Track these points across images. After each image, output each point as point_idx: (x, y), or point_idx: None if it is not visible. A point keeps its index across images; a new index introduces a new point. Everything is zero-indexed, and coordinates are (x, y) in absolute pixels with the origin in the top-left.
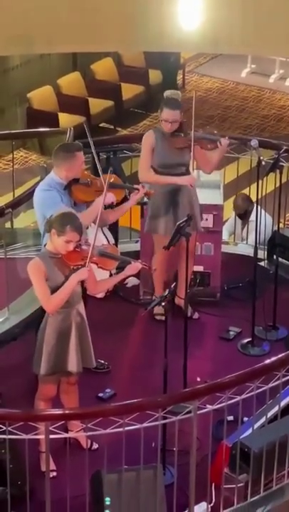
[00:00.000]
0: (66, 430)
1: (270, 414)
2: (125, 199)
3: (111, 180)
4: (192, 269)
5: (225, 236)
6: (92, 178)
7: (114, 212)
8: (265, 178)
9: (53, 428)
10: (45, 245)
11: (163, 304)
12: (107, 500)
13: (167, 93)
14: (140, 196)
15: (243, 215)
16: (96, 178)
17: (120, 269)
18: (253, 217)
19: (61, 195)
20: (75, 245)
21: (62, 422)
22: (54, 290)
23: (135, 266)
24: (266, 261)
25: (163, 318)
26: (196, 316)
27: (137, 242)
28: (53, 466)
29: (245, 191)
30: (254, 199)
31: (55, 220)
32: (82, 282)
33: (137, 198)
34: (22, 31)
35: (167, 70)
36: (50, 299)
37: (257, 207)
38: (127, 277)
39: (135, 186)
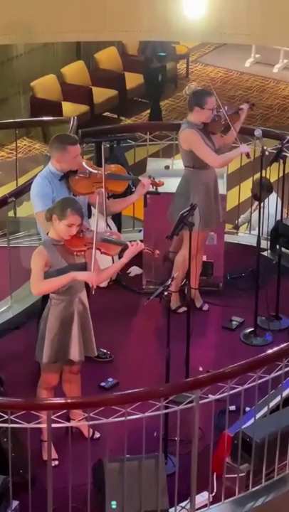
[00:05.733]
0: (68, 419)
1: (272, 404)
2: (128, 189)
3: (112, 171)
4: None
5: (240, 222)
6: (94, 169)
7: (118, 204)
8: (268, 168)
9: (55, 417)
10: (48, 233)
11: (166, 293)
12: (113, 505)
13: (192, 87)
14: (146, 190)
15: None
16: (98, 168)
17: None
18: (271, 206)
19: (54, 187)
20: (77, 229)
21: (65, 411)
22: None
23: (137, 245)
24: (269, 251)
25: (184, 309)
26: (205, 307)
27: (140, 231)
28: (54, 455)
29: (248, 181)
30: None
31: (55, 206)
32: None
33: (144, 192)
34: (24, 20)
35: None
36: (40, 283)
37: (260, 197)
38: (129, 259)
39: (140, 178)
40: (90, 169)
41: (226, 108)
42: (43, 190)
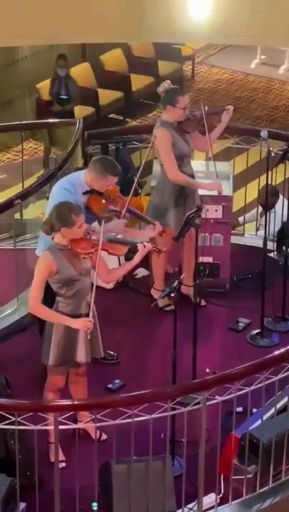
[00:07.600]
0: (75, 421)
1: (279, 405)
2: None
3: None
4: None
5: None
6: (117, 197)
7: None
8: (274, 169)
9: (62, 419)
10: (53, 238)
11: (172, 294)
12: (94, 506)
13: (166, 86)
14: (156, 234)
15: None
16: (121, 197)
17: (130, 260)
18: (277, 208)
19: (76, 197)
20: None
21: (72, 412)
22: (63, 282)
23: (145, 248)
24: (275, 252)
25: (172, 307)
26: (203, 303)
27: None
28: (62, 457)
29: (255, 182)
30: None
31: (57, 221)
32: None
33: (153, 235)
34: (28, 22)
35: None
36: (37, 304)
37: (266, 199)
38: (139, 262)
39: (155, 222)
40: (113, 197)
41: (207, 109)
42: (64, 196)
